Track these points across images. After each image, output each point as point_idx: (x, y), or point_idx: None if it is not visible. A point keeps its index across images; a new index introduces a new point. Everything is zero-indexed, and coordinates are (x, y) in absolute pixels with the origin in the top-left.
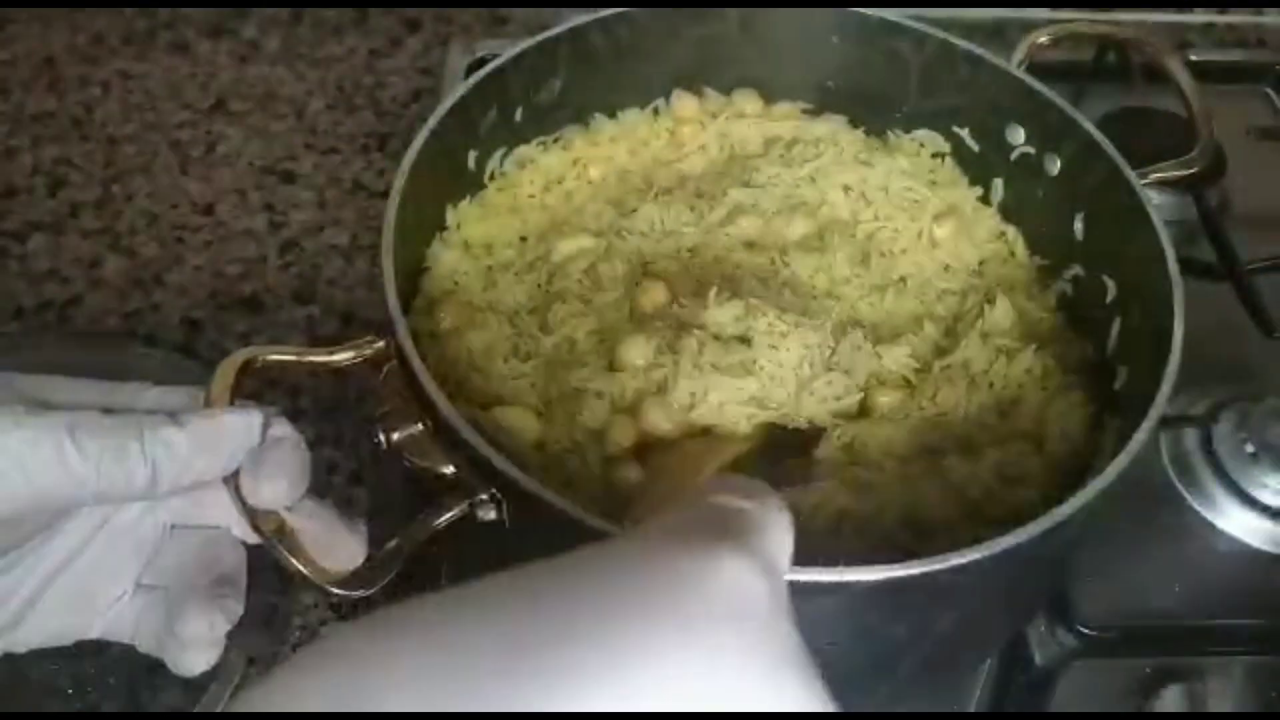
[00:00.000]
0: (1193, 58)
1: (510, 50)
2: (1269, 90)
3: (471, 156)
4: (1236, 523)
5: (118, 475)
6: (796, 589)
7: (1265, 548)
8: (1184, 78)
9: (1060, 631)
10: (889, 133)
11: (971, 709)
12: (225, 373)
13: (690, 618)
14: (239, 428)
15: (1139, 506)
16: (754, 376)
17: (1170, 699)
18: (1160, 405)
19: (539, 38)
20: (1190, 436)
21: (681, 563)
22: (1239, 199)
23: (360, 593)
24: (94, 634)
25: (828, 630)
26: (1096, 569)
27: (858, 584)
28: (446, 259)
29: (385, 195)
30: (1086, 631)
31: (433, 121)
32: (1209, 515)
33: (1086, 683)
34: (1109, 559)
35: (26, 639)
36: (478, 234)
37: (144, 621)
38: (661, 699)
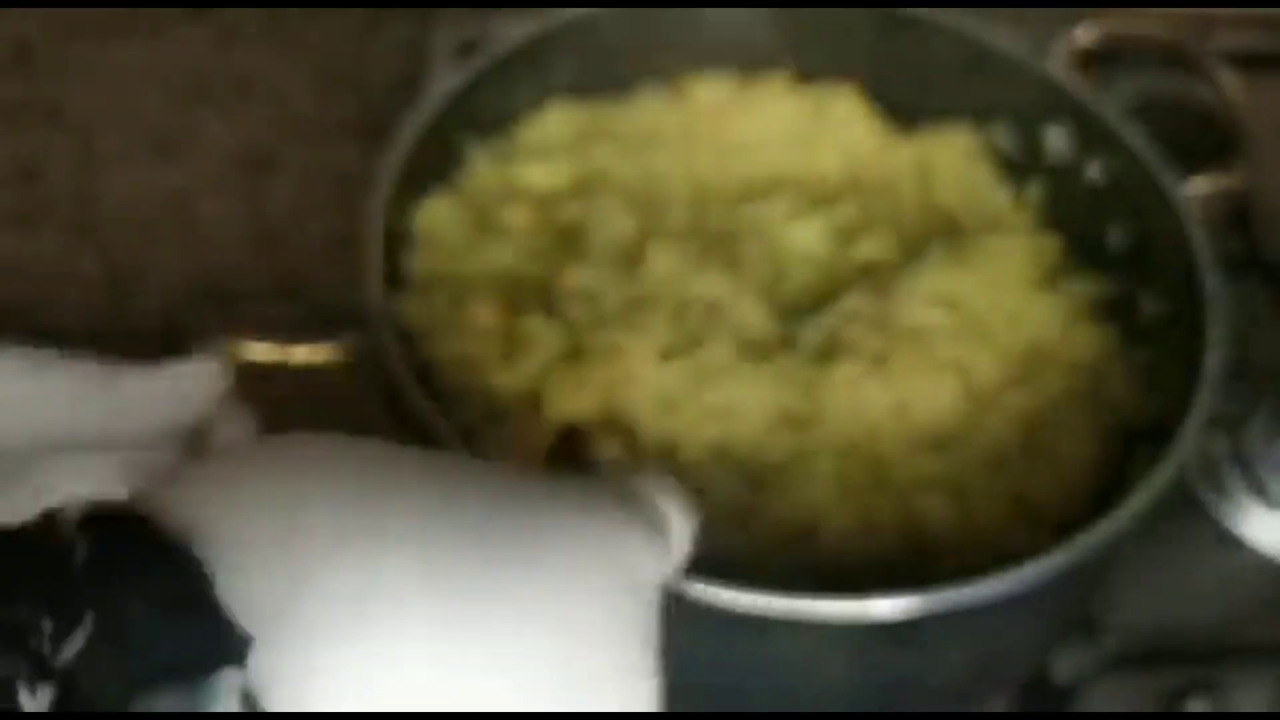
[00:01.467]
0: (1219, 45)
1: (515, 35)
2: None
3: (467, 145)
4: (1266, 531)
5: (84, 410)
6: (790, 620)
7: None
8: (1231, 87)
9: (1081, 644)
10: (921, 130)
11: None
12: None
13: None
14: (198, 373)
15: (1163, 514)
16: None
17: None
18: (1187, 441)
19: (545, 24)
20: (1218, 440)
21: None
22: (1270, 193)
23: None
24: None
25: (832, 661)
26: (1119, 581)
27: (865, 617)
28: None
29: (370, 184)
30: (1110, 644)
31: (426, 107)
32: (1236, 524)
33: (1108, 697)
34: (1132, 570)
35: None
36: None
37: None
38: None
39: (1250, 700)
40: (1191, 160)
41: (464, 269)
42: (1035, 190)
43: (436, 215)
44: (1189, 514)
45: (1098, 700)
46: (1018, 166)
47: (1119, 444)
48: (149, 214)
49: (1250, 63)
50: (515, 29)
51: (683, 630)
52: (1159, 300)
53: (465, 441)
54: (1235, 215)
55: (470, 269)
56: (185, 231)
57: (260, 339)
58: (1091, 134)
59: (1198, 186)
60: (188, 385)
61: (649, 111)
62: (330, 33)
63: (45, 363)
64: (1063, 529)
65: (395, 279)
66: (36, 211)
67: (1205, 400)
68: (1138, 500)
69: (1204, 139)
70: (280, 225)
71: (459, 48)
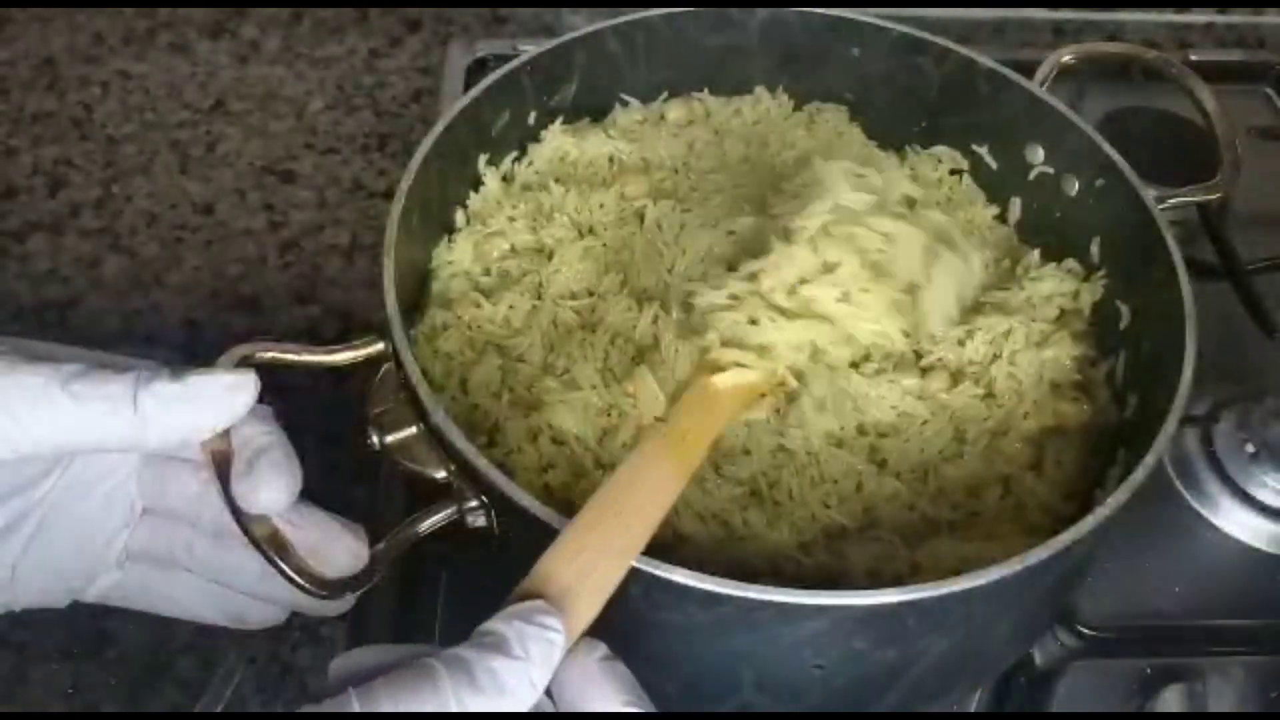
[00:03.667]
0: (1193, 57)
1: (526, 53)
2: (1269, 90)
3: (481, 159)
4: (1236, 522)
5: (110, 423)
6: (783, 610)
7: (1265, 547)
8: (1211, 103)
9: (1060, 632)
10: (907, 148)
11: (972, 709)
12: (224, 366)
13: None
14: (233, 384)
15: (1139, 507)
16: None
17: (1170, 699)
18: (1163, 444)
19: (555, 41)
20: (1190, 436)
21: None
22: (1239, 199)
23: (348, 596)
24: (88, 597)
25: (815, 652)
26: (1096, 569)
27: (844, 608)
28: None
29: (385, 195)
30: (1087, 632)
31: (444, 120)
32: (1209, 515)
33: (1087, 683)
34: (1109, 559)
35: (22, 597)
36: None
37: (145, 585)
38: None
39: (1222, 684)
40: (1169, 172)
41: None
42: (1018, 204)
43: (449, 258)
44: (1164, 506)
45: (1075, 684)
46: (1001, 182)
47: (1099, 445)
48: (171, 221)
49: (1224, 75)
50: (524, 48)
51: (674, 622)
52: (1137, 309)
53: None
54: (1206, 222)
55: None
56: (206, 237)
57: (278, 340)
58: (1072, 150)
59: (1175, 198)
60: (220, 400)
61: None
62: (347, 50)
63: (78, 375)
64: (1042, 529)
65: (411, 287)
66: (64, 218)
67: (1179, 409)
68: (1107, 508)
69: (1182, 151)
70: (297, 232)
71: (471, 66)
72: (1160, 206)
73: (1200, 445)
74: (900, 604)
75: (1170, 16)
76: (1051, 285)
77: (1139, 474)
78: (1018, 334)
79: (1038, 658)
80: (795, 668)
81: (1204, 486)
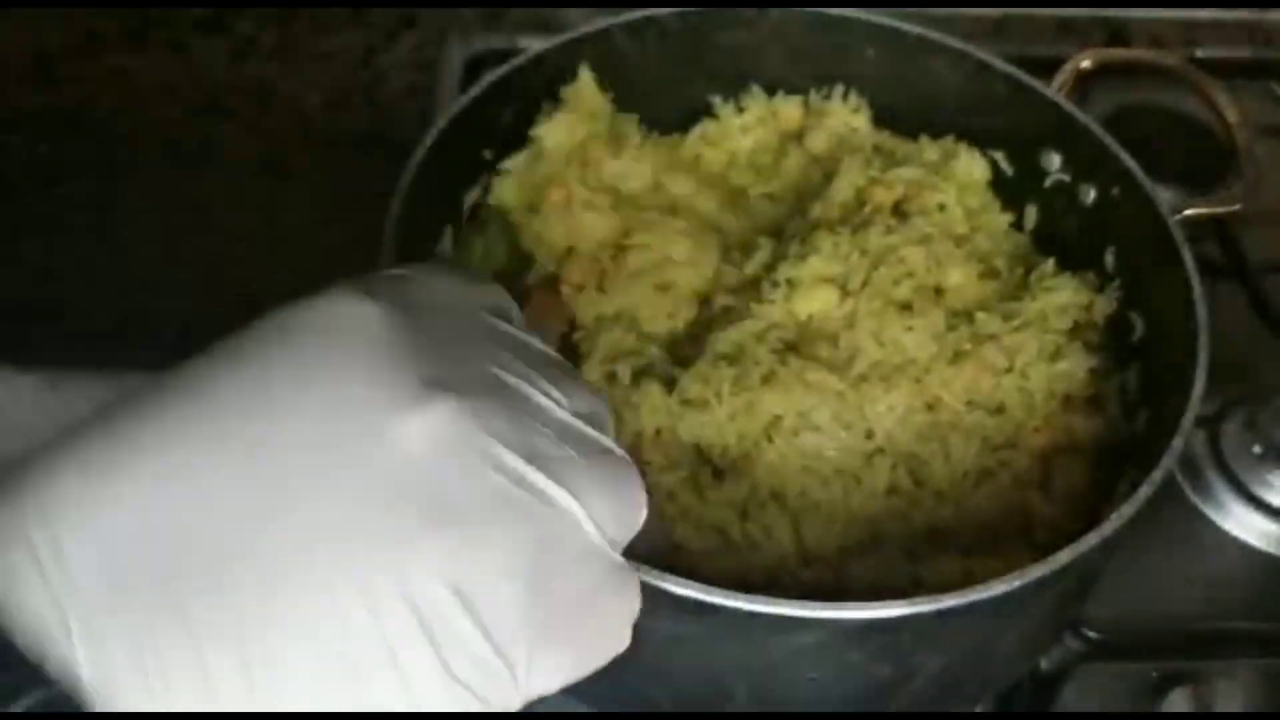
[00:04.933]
0: (1199, 54)
1: (531, 49)
2: (1277, 87)
3: (486, 155)
4: (1243, 525)
5: None
6: (773, 622)
7: (1272, 550)
8: (1233, 115)
9: (1066, 635)
10: None
11: (975, 711)
12: None
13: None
14: None
15: (1145, 510)
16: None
17: (1177, 702)
18: (1169, 462)
19: (562, 38)
20: (1197, 438)
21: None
22: (1255, 201)
23: None
24: None
25: (809, 665)
26: (1102, 573)
27: (837, 621)
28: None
29: (383, 193)
30: (1092, 634)
31: (445, 118)
32: (1215, 517)
33: (1093, 686)
34: (1115, 562)
35: None
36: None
37: None
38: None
39: (1229, 688)
40: (1175, 171)
41: None
42: (1034, 212)
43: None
44: (1170, 508)
45: (1081, 686)
46: (1017, 189)
47: (1106, 459)
48: (167, 219)
49: (1231, 71)
50: (524, 45)
51: (666, 630)
52: (1149, 321)
53: None
54: (1214, 220)
55: None
56: (202, 236)
57: None
58: (1089, 158)
59: (1192, 209)
60: None
61: None
62: (344, 46)
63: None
64: (1048, 545)
65: None
66: (58, 216)
67: (1186, 428)
68: (1111, 524)
69: (1187, 148)
70: (295, 231)
71: (469, 63)
72: (1176, 218)
73: (1207, 447)
74: (895, 618)
75: (1176, 12)
76: (1066, 296)
77: (1145, 491)
78: (1030, 346)
79: (1043, 660)
80: (788, 679)
81: (1211, 488)
